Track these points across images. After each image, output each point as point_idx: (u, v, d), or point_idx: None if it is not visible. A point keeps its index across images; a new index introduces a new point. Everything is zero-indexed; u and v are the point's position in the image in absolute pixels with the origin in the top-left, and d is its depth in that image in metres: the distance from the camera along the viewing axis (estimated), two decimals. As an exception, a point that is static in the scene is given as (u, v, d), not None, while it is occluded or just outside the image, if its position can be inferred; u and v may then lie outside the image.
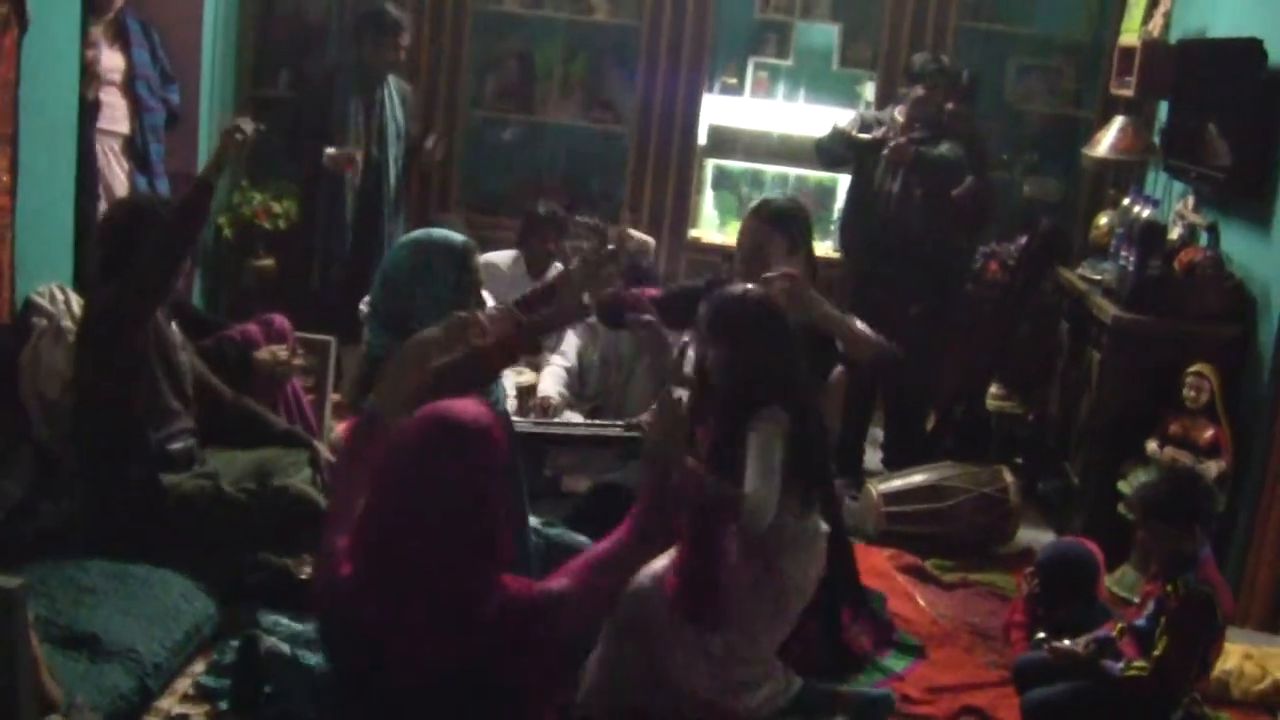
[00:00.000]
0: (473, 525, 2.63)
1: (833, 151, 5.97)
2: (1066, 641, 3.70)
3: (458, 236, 3.83)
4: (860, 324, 4.01)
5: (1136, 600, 3.70)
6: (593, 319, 5.33)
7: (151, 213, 4.17)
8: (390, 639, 2.64)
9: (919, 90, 5.79)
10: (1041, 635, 3.92)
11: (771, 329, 3.56)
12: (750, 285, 3.72)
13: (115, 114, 5.51)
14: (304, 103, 5.98)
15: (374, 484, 2.72)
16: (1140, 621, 3.60)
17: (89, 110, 5.26)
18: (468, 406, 2.72)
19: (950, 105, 5.91)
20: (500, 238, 6.15)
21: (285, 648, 3.52)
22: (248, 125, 4.17)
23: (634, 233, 5.68)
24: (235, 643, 3.66)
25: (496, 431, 2.70)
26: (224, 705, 3.58)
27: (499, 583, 2.64)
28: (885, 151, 5.72)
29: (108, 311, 3.98)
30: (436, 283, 3.69)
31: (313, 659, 3.45)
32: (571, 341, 5.48)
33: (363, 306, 3.97)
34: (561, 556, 3.35)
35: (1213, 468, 4.74)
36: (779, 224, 4.00)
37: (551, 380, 5.35)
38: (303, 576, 4.28)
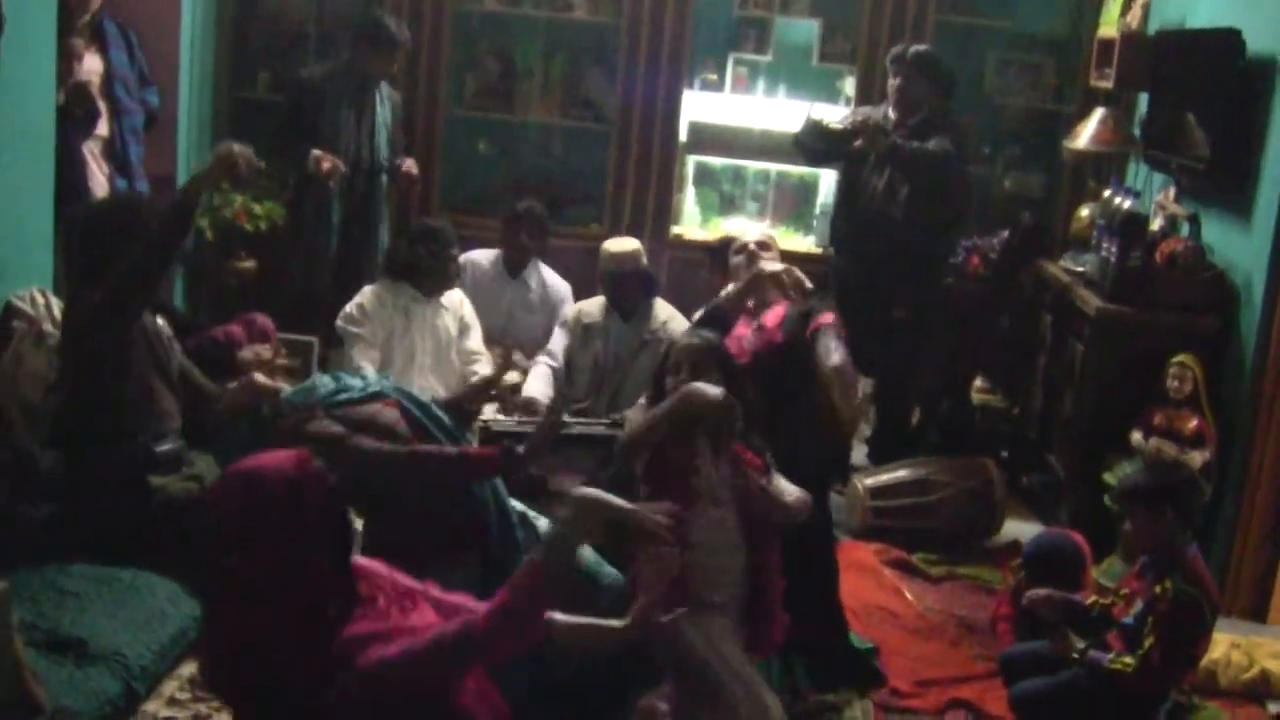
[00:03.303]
0: (290, 583, 2.35)
1: (810, 145, 5.85)
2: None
3: None
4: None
5: (1124, 591, 3.70)
6: (589, 320, 5.34)
7: (134, 213, 4.12)
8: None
9: (893, 80, 5.77)
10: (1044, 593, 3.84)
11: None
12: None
13: (94, 116, 5.47)
14: (294, 107, 5.96)
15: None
16: (1128, 619, 3.59)
17: (74, 117, 5.23)
18: (276, 458, 2.44)
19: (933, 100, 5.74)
20: (484, 237, 6.14)
21: None
22: (246, 163, 3.95)
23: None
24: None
25: (309, 483, 2.40)
26: None
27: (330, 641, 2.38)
28: (858, 143, 5.61)
29: (92, 315, 3.94)
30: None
31: None
32: (559, 342, 5.42)
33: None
34: None
35: (1197, 458, 4.74)
36: None
37: (538, 381, 5.32)
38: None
